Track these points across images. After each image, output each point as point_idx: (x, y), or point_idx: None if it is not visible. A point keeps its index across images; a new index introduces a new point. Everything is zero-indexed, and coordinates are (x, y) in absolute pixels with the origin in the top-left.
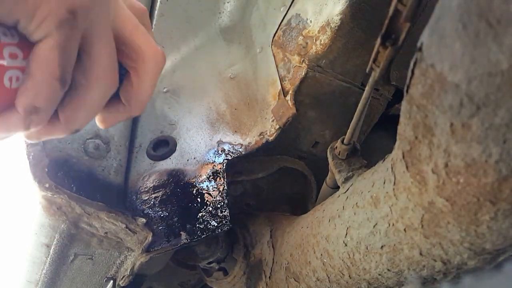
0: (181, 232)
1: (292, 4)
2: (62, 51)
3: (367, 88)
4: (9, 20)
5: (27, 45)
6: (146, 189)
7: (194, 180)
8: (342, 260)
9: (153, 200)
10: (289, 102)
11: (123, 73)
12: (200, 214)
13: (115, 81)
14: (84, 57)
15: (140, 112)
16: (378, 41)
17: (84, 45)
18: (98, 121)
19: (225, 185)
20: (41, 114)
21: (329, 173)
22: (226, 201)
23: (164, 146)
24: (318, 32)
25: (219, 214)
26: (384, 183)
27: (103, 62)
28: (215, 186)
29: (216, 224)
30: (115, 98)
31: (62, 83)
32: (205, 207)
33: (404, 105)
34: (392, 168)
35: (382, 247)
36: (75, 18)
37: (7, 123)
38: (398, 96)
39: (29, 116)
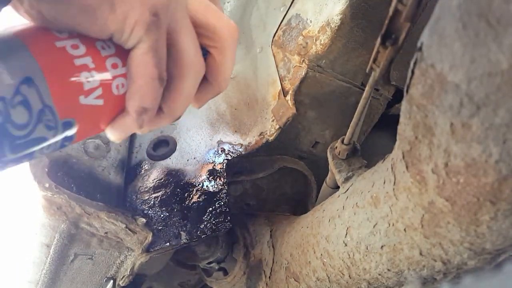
0: (181, 232)
1: (292, 4)
2: (155, 52)
3: (367, 88)
4: (104, 34)
5: (123, 53)
6: (146, 189)
7: (194, 180)
8: (342, 260)
9: (153, 200)
10: (289, 102)
11: (205, 54)
12: (200, 214)
13: (203, 65)
14: (172, 51)
15: (226, 87)
16: (378, 41)
17: (170, 39)
18: (193, 103)
19: (225, 185)
20: (150, 112)
21: (329, 173)
22: (226, 201)
23: (164, 146)
24: (318, 32)
25: (219, 214)
26: (384, 183)
27: (189, 51)
28: (215, 186)
29: (216, 224)
30: (202, 79)
31: (160, 81)
32: (205, 207)
33: (404, 105)
34: (392, 168)
35: (382, 247)
36: (159, 18)
37: (124, 126)
38: (398, 96)
39: (140, 116)
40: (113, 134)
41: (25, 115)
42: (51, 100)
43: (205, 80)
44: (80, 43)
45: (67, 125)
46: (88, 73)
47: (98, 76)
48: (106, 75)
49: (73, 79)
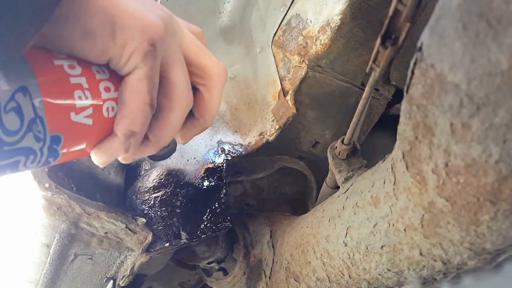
0: (181, 232)
1: (292, 4)
2: (150, 79)
3: (367, 88)
4: (102, 60)
5: (116, 79)
6: (146, 189)
7: (194, 180)
8: (342, 260)
9: (153, 200)
10: (289, 102)
11: (194, 91)
12: (200, 214)
13: (191, 98)
14: (163, 82)
15: (211, 123)
16: (378, 41)
17: (163, 71)
18: (179, 138)
19: (225, 185)
20: (137, 137)
21: (329, 173)
22: (226, 201)
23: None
24: (318, 32)
25: (219, 214)
26: (384, 183)
27: (180, 83)
28: (215, 186)
29: (216, 224)
30: (188, 115)
31: (151, 107)
32: (205, 207)
33: (404, 105)
34: (392, 168)
35: (382, 247)
36: (155, 48)
37: (110, 149)
38: (398, 96)
39: (128, 139)
40: (98, 157)
41: (16, 122)
42: (43, 111)
43: (192, 116)
44: (77, 64)
45: (55, 140)
46: (81, 92)
47: (90, 97)
48: (98, 97)
49: (66, 95)
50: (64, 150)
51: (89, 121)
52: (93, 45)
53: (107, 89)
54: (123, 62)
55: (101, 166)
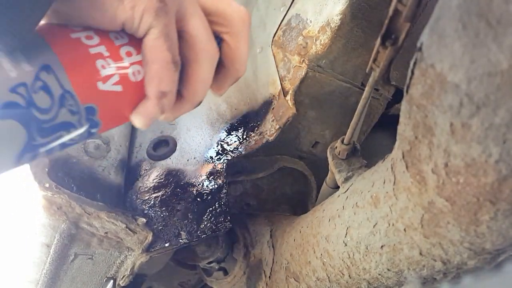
0: (181, 232)
1: (292, 4)
2: (166, 36)
3: (367, 88)
4: (115, 25)
5: (136, 42)
6: (146, 189)
7: (194, 180)
8: (342, 260)
9: (153, 200)
10: (289, 102)
11: (219, 42)
12: (200, 214)
13: (216, 48)
14: (184, 36)
15: (244, 71)
16: (378, 41)
17: (181, 25)
18: (215, 91)
19: (225, 185)
20: (169, 96)
21: (329, 173)
22: (226, 201)
23: (164, 146)
24: (318, 32)
25: (219, 214)
26: (384, 183)
27: (202, 34)
28: (215, 186)
29: (216, 224)
30: (218, 66)
31: (175, 64)
32: (205, 207)
33: (404, 105)
34: (392, 168)
35: (382, 247)
36: (166, 4)
37: (147, 111)
38: (398, 96)
39: (160, 100)
40: (138, 120)
41: (47, 99)
42: (70, 85)
43: (223, 67)
44: (94, 34)
45: (90, 111)
46: (103, 61)
47: (114, 64)
48: (121, 63)
49: (89, 66)
50: (103, 119)
51: (119, 88)
52: (103, 12)
53: (128, 54)
54: (136, 24)
55: (144, 129)
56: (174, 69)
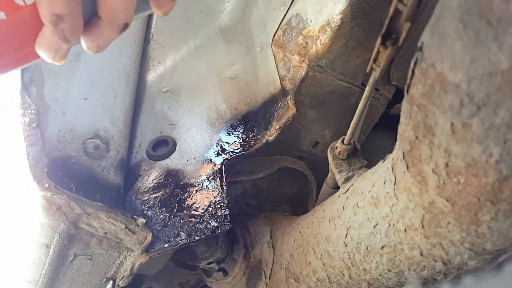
0: (181, 233)
1: (292, 4)
2: None
3: (367, 88)
4: None
5: None
6: (145, 189)
7: (193, 180)
8: (343, 261)
9: (152, 200)
10: (289, 102)
11: None
12: (200, 215)
13: None
14: None
15: None
16: (379, 40)
17: None
18: (154, 8)
19: (225, 185)
20: (68, 20)
21: (329, 173)
22: (226, 201)
23: (163, 146)
24: (318, 31)
25: (219, 214)
26: (384, 183)
27: None
28: (215, 186)
29: (216, 225)
30: None
31: None
32: (205, 207)
33: (404, 105)
34: (392, 168)
35: (382, 247)
36: None
37: (46, 42)
38: (398, 96)
39: (57, 26)
40: (42, 53)
41: None
42: None
43: None
44: None
45: None
46: None
47: None
48: None
49: None
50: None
51: (2, 15)
52: None
53: None
54: None
55: (55, 63)
56: None
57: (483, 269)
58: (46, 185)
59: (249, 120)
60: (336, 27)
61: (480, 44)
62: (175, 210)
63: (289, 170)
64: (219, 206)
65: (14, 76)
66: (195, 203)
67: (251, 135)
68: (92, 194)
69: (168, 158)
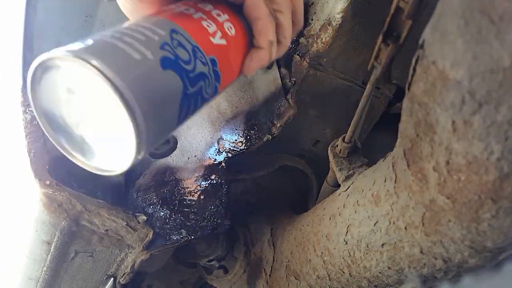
0: (182, 230)
1: None
2: None
3: (368, 86)
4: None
5: (219, 5)
6: (147, 187)
7: (194, 178)
8: (343, 258)
9: (153, 198)
10: (290, 100)
11: None
12: (201, 212)
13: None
14: None
15: (302, 23)
16: (380, 39)
17: None
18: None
19: (226, 183)
20: (275, 44)
21: (330, 171)
22: (226, 199)
23: (165, 144)
24: (320, 30)
25: (219, 212)
26: (385, 181)
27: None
28: (216, 184)
29: (216, 222)
30: None
31: (273, 17)
32: (205, 205)
33: (405, 103)
34: (393, 166)
35: (382, 245)
36: None
37: (260, 59)
38: (399, 95)
39: (270, 48)
40: (252, 68)
41: (185, 53)
42: (194, 41)
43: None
44: (189, 7)
45: (213, 62)
46: (206, 22)
47: (213, 23)
48: (217, 21)
49: (199, 26)
50: (222, 72)
51: (224, 41)
52: None
53: (218, 15)
54: None
55: (249, 76)
56: (273, 21)
57: (483, 267)
58: (48, 182)
59: (250, 119)
60: (337, 26)
61: (482, 41)
62: (176, 208)
63: (289, 169)
64: (219, 204)
65: (14, 74)
66: (196, 201)
67: (252, 134)
68: (93, 191)
69: (169, 156)
